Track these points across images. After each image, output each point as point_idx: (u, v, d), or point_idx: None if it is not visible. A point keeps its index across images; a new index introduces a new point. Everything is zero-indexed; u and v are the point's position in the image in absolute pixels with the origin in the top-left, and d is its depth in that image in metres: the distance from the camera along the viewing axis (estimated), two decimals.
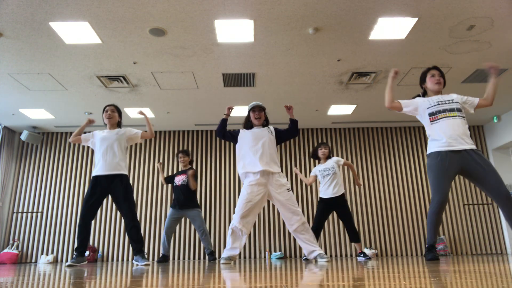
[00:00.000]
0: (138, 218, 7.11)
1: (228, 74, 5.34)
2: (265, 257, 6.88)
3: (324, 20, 4.13)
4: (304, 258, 5.10)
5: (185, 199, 5.17)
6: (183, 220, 6.77)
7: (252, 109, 3.87)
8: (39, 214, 7.15)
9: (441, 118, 3.01)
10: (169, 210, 5.36)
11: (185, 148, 7.59)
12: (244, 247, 6.97)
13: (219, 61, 4.96)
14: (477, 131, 7.77)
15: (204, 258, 6.96)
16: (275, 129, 3.89)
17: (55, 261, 6.86)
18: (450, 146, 2.93)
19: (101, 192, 3.85)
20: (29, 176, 7.37)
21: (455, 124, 2.96)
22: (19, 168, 7.41)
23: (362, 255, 4.95)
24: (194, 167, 7.47)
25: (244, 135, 3.81)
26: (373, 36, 4.44)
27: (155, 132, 7.67)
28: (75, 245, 3.87)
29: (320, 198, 5.05)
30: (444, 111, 3.02)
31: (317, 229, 5.02)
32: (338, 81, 5.63)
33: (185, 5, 3.83)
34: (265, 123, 3.92)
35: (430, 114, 3.07)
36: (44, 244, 6.99)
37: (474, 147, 2.96)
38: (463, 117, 3.03)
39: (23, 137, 7.03)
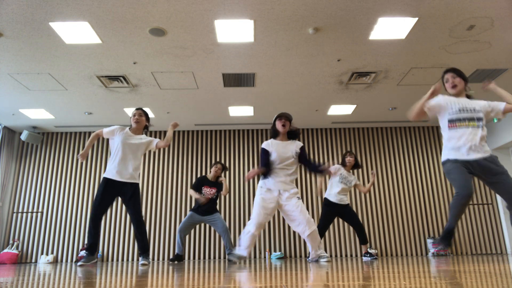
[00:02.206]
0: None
1: (228, 74, 5.34)
2: (265, 257, 6.88)
3: (324, 20, 4.13)
4: (309, 259, 5.13)
5: (209, 208, 5.26)
6: None
7: (279, 118, 3.91)
8: (39, 214, 7.14)
9: (459, 127, 2.99)
10: (189, 213, 5.36)
11: (185, 148, 7.59)
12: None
13: (219, 61, 4.96)
14: None
15: (205, 258, 6.95)
16: (302, 150, 3.89)
17: (55, 261, 6.85)
18: (464, 156, 2.94)
19: (112, 195, 3.88)
20: (29, 176, 7.37)
21: (472, 134, 2.95)
22: (19, 168, 7.41)
23: (368, 255, 5.00)
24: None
25: (275, 151, 3.81)
26: (373, 36, 4.44)
27: (155, 132, 7.68)
28: (87, 245, 3.86)
29: (327, 199, 5.13)
30: (464, 119, 2.99)
31: (323, 231, 5.08)
32: (338, 81, 5.63)
33: (185, 5, 3.83)
34: (291, 135, 3.94)
35: (450, 121, 3.05)
36: (44, 244, 6.99)
37: (488, 155, 2.94)
38: (482, 126, 3.01)
39: (23, 137, 7.03)
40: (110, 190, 3.84)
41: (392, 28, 4.28)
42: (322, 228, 5.06)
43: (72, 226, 7.06)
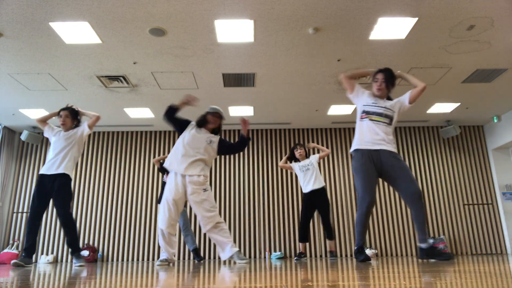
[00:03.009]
0: (138, 218, 7.13)
1: (228, 74, 5.34)
2: (265, 257, 6.88)
3: (324, 20, 4.13)
4: (296, 258, 5.18)
5: None
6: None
7: (213, 114, 3.79)
8: None
9: (367, 119, 3.15)
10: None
11: None
12: (244, 247, 6.97)
13: (219, 61, 4.96)
14: (477, 131, 7.77)
15: (205, 258, 6.95)
16: (221, 141, 3.79)
17: (55, 261, 6.86)
18: (369, 146, 3.08)
19: (46, 191, 3.80)
20: (29, 176, 7.37)
21: (377, 128, 3.11)
22: (19, 168, 7.41)
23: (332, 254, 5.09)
24: None
25: (188, 132, 3.75)
26: (373, 36, 4.44)
27: (155, 132, 7.67)
28: (25, 246, 3.75)
29: (303, 193, 5.23)
30: (374, 113, 3.15)
31: (305, 224, 5.18)
32: (338, 81, 5.63)
33: (185, 5, 3.83)
34: (216, 130, 3.87)
35: (363, 112, 3.21)
36: (44, 244, 6.99)
37: (391, 149, 3.10)
38: (389, 123, 3.15)
39: (23, 137, 7.03)
40: (43, 187, 3.78)
41: (392, 28, 4.28)
42: (304, 221, 5.18)
43: None
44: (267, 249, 6.96)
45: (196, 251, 5.33)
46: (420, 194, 2.98)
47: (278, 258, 6.49)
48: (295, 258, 5.24)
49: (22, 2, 3.69)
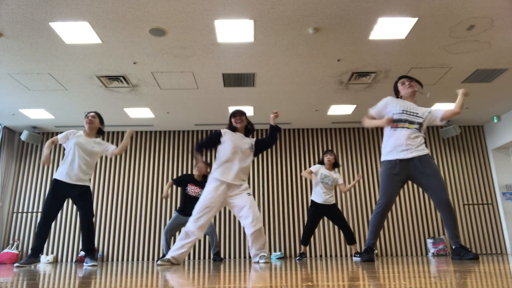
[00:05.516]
0: (138, 218, 7.13)
1: (228, 74, 5.34)
2: None
3: (324, 20, 4.13)
4: (298, 258, 5.19)
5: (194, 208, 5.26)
6: None
7: (233, 115, 3.76)
8: (39, 214, 7.14)
9: (399, 128, 3.17)
10: (175, 213, 5.39)
11: (185, 148, 7.59)
12: (244, 247, 6.97)
13: (219, 61, 4.96)
14: (477, 131, 7.77)
15: (205, 258, 6.95)
16: (256, 141, 3.78)
17: (55, 261, 6.86)
18: (399, 155, 3.12)
19: (62, 196, 3.85)
20: (29, 176, 7.37)
21: (409, 135, 3.14)
22: (19, 168, 7.41)
23: (358, 255, 4.99)
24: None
25: (227, 140, 3.66)
26: (373, 36, 4.44)
27: (155, 132, 7.67)
28: (33, 246, 3.80)
29: (313, 201, 5.19)
30: (406, 121, 3.18)
31: (309, 234, 5.17)
32: (338, 81, 5.63)
33: (185, 5, 3.83)
34: (248, 129, 3.82)
35: (393, 121, 3.22)
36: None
37: (423, 153, 3.12)
38: (420, 130, 3.20)
39: (23, 137, 7.03)
40: (59, 192, 3.82)
41: (392, 28, 4.28)
42: (309, 229, 5.18)
43: (72, 226, 7.06)
44: (267, 249, 6.96)
45: (218, 254, 5.54)
46: (448, 202, 3.05)
47: (278, 258, 6.49)
48: (298, 258, 5.27)
49: (22, 2, 3.69)
